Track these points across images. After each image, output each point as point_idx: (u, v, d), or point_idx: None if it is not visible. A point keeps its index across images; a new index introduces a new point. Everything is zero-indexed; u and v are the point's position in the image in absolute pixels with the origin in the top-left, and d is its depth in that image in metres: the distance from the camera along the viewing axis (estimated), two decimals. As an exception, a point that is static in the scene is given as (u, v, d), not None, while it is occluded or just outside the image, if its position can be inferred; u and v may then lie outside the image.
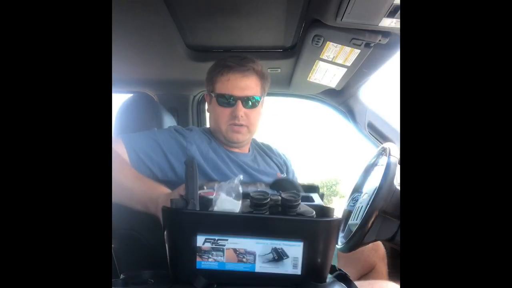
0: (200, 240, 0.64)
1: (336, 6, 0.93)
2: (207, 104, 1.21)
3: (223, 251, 0.64)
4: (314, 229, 0.68)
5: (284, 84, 1.60)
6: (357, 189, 1.14)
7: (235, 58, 1.11)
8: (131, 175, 0.95)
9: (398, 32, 1.01)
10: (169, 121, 1.38)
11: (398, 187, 0.93)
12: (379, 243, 1.28)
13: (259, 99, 1.14)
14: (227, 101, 1.10)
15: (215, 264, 0.65)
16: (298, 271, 0.66)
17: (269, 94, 1.76)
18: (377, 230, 0.94)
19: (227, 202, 0.67)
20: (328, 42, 1.13)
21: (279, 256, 0.65)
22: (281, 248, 0.65)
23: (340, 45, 1.14)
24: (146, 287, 0.70)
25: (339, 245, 1.08)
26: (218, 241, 0.64)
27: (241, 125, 1.11)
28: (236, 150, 1.17)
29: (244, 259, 0.65)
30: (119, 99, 1.30)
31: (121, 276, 0.72)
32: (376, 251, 1.28)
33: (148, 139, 1.05)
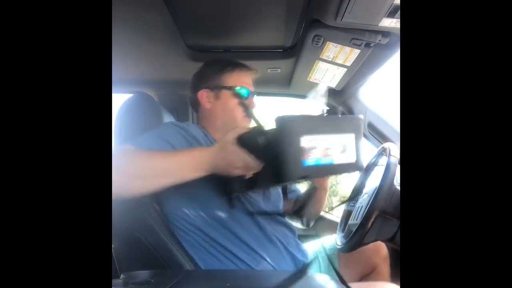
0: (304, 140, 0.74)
1: (336, 6, 0.92)
2: (205, 102, 1.18)
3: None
4: None
5: (284, 84, 1.60)
6: (357, 189, 1.14)
7: (237, 61, 1.19)
8: (166, 153, 0.95)
9: (398, 32, 1.01)
10: (169, 121, 1.38)
11: (398, 187, 0.93)
12: (382, 243, 1.27)
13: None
14: (244, 93, 1.16)
15: (314, 160, 0.76)
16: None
17: (269, 94, 1.77)
18: (377, 230, 0.95)
19: None
20: (328, 42, 1.13)
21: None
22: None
23: (340, 45, 1.14)
24: (146, 287, 0.70)
25: (339, 245, 1.08)
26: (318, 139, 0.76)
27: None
28: None
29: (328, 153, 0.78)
30: (119, 99, 1.30)
31: (121, 276, 0.72)
32: (378, 252, 1.27)
33: (155, 138, 1.06)
